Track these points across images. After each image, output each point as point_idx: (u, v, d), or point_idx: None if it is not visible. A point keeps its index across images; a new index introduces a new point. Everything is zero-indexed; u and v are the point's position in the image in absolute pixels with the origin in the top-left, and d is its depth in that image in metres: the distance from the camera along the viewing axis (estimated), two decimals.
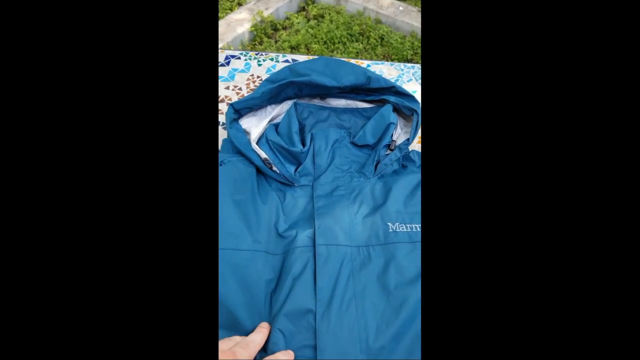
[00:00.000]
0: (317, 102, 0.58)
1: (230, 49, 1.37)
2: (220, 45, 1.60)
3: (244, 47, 1.70)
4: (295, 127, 0.51)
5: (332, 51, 1.67)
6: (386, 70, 0.66)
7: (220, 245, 0.41)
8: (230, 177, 0.47)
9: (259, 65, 0.66)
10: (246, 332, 0.38)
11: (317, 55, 1.61)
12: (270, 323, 0.38)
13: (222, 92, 0.62)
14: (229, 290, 0.39)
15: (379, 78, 0.52)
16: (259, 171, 0.50)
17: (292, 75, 0.54)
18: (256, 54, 0.68)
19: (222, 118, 0.59)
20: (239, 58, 0.67)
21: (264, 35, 1.75)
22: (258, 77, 0.64)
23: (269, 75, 0.64)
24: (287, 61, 0.67)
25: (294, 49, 1.67)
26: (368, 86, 0.53)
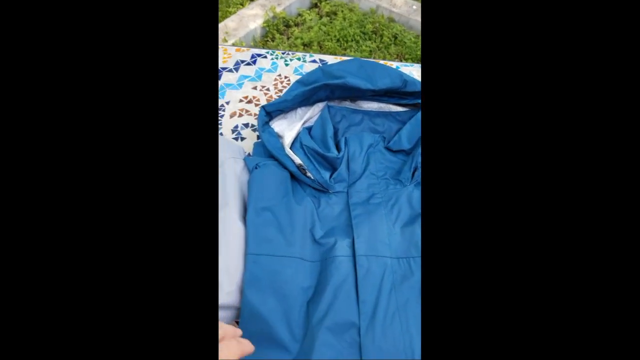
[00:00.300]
0: (348, 104, 0.57)
1: (242, 45, 1.35)
2: (232, 41, 1.58)
3: (255, 44, 1.68)
4: (330, 131, 0.49)
5: (345, 49, 1.65)
6: (415, 72, 0.64)
7: (254, 251, 0.40)
8: (265, 180, 0.45)
9: (286, 65, 0.64)
10: (282, 343, 0.37)
11: (330, 53, 1.59)
12: (307, 333, 0.37)
13: (249, 93, 0.61)
14: (264, 297, 0.38)
15: (415, 81, 0.51)
16: (292, 176, 0.48)
17: (325, 77, 0.53)
18: (283, 53, 0.66)
19: (249, 119, 0.58)
20: (265, 57, 0.66)
21: (276, 32, 1.72)
22: (286, 77, 0.63)
23: (299, 77, 0.63)
24: (314, 61, 0.65)
25: (307, 46, 1.65)
26: (404, 89, 0.51)
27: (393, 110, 0.55)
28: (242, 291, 0.38)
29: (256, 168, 0.46)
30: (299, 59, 0.65)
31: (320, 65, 0.64)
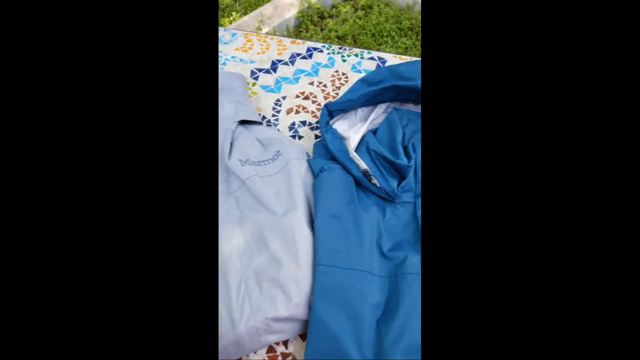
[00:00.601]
0: (412, 107, 0.53)
1: (275, 34, 1.32)
2: (266, 30, 1.55)
3: (289, 33, 1.64)
4: (399, 136, 0.46)
5: (380, 44, 1.60)
6: None
7: (324, 262, 0.37)
8: (332, 186, 0.43)
9: (344, 61, 0.61)
10: None
11: (365, 47, 1.55)
12: (380, 354, 0.35)
13: (306, 88, 0.58)
14: (334, 312, 0.35)
15: None
16: (356, 182, 0.46)
17: (393, 78, 0.50)
18: (340, 48, 0.63)
19: (306, 117, 0.55)
20: (322, 51, 0.63)
21: (310, 23, 1.68)
22: (343, 74, 0.60)
23: (356, 74, 0.60)
24: (372, 59, 0.62)
25: (340, 39, 1.61)
26: None
27: None
28: (311, 304, 0.36)
29: (322, 171, 0.44)
30: (356, 55, 0.62)
31: (379, 63, 0.61)
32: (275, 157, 0.45)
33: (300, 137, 0.52)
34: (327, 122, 0.50)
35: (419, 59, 0.54)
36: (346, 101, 0.50)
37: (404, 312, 0.36)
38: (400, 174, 0.46)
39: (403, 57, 0.62)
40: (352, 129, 0.49)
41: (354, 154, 0.46)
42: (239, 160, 0.44)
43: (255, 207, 0.41)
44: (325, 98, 0.57)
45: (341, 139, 0.48)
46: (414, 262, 0.40)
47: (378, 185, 0.45)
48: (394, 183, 0.45)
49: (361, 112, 0.53)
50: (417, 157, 0.47)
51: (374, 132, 0.49)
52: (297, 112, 0.55)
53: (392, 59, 0.62)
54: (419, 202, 0.45)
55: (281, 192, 0.41)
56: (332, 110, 0.50)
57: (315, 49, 0.63)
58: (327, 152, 0.48)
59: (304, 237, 0.38)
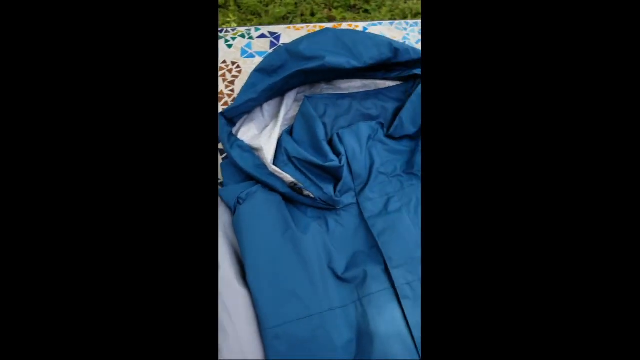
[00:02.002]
0: (325, 88, 0.45)
1: None
2: None
3: None
4: (321, 132, 0.39)
5: (267, 4, 1.45)
6: (387, 32, 0.54)
7: (272, 323, 0.30)
8: (256, 218, 0.34)
9: (229, 46, 0.50)
10: None
11: (251, 13, 1.39)
12: None
13: None
14: None
15: (408, 49, 0.41)
16: (284, 198, 0.37)
17: (295, 60, 0.41)
18: (219, 31, 0.51)
19: None
20: None
21: None
22: (233, 63, 0.49)
23: (249, 60, 0.49)
24: (263, 36, 0.51)
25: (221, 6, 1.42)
26: (395, 60, 0.41)
27: (381, 86, 0.46)
28: None
29: (239, 203, 0.35)
30: (242, 35, 0.51)
31: (273, 40, 0.51)
32: None
33: None
34: (230, 134, 0.40)
35: (324, 28, 0.45)
36: (245, 102, 0.40)
37: (379, 343, 0.31)
38: (334, 175, 0.38)
39: (297, 25, 0.52)
40: (262, 135, 0.40)
41: (274, 167, 0.37)
42: None
43: None
44: (221, 99, 0.46)
45: (251, 152, 0.39)
46: (375, 275, 0.34)
47: (312, 196, 0.37)
48: (329, 189, 0.37)
49: (268, 107, 0.44)
50: (346, 148, 0.40)
51: (290, 131, 0.41)
52: None
53: (287, 32, 0.52)
54: (361, 200, 0.39)
55: None
56: (232, 117, 0.40)
57: None
58: (240, 172, 0.39)
59: (238, 299, 0.30)
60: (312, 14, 1.44)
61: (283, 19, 1.39)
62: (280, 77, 0.40)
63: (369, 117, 0.43)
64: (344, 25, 0.53)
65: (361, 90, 0.45)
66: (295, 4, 1.47)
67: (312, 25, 0.53)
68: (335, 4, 1.46)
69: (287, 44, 0.44)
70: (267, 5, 1.44)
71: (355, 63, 0.40)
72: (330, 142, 0.40)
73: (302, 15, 1.43)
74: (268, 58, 0.42)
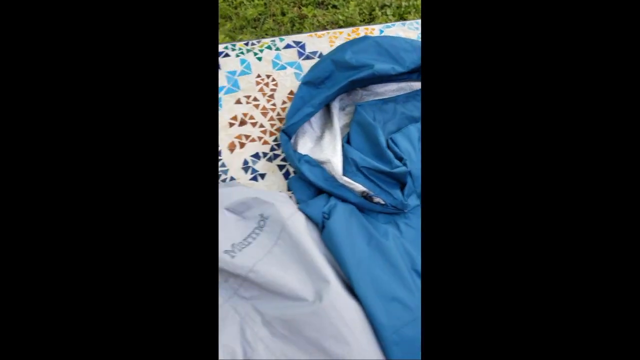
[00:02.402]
0: (364, 94, 0.47)
1: None
2: None
3: None
4: (382, 139, 0.40)
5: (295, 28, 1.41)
6: (402, 33, 0.56)
7: (392, 329, 0.31)
8: (348, 233, 0.35)
9: (259, 59, 0.50)
10: None
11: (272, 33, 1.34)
12: None
13: (235, 111, 0.45)
14: None
15: None
16: (358, 209, 0.39)
17: (341, 70, 0.42)
18: (245, 44, 0.51)
19: (256, 148, 0.44)
20: (228, 55, 0.49)
21: None
22: (268, 76, 0.48)
23: (282, 72, 0.49)
24: (289, 46, 0.51)
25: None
26: None
27: (415, 88, 0.48)
28: None
29: (327, 218, 0.35)
30: (269, 47, 0.51)
31: (299, 50, 0.51)
32: (262, 223, 0.34)
33: (262, 176, 0.42)
34: (295, 150, 0.40)
35: (363, 36, 0.46)
36: (305, 116, 0.40)
37: None
38: (398, 180, 0.40)
39: (319, 33, 0.53)
40: (322, 148, 0.40)
41: (345, 178, 0.38)
42: (225, 252, 0.32)
43: (272, 303, 0.31)
44: (265, 114, 0.46)
45: (319, 166, 0.39)
46: None
47: (383, 202, 0.39)
48: (398, 194, 0.39)
49: (314, 119, 0.44)
50: (402, 152, 0.42)
51: (347, 141, 0.42)
52: (242, 145, 0.43)
53: (310, 40, 0.52)
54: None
55: (296, 268, 0.32)
56: (290, 133, 0.41)
57: (220, 53, 0.49)
58: (309, 185, 0.39)
59: (354, 315, 0.31)
60: (283, 14, 1.43)
61: (255, 21, 1.37)
62: (334, 89, 0.40)
63: (413, 119, 0.45)
64: (361, 30, 0.54)
65: (397, 93, 0.47)
66: (265, 4, 1.45)
67: (332, 32, 0.54)
68: (304, 2, 1.46)
69: (329, 54, 0.44)
70: (236, 8, 1.40)
71: (399, 69, 0.42)
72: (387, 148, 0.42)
73: (273, 15, 1.41)
74: (314, 70, 0.43)
